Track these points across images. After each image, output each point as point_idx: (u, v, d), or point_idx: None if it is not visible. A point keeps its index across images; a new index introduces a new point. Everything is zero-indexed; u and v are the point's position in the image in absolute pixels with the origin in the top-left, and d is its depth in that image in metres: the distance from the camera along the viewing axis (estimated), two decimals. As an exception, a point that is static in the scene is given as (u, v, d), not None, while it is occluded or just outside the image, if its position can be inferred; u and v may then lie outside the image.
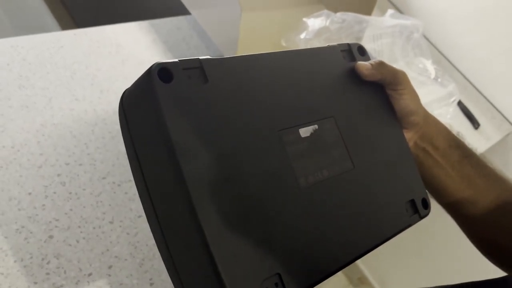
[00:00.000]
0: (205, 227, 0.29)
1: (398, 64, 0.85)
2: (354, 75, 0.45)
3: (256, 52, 0.39)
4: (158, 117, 0.30)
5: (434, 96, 0.82)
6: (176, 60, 0.32)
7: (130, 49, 0.83)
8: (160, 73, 0.31)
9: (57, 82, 0.72)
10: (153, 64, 0.31)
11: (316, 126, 0.39)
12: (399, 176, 0.44)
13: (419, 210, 0.44)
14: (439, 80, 0.83)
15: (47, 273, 0.54)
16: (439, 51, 1.33)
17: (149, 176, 0.32)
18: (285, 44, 0.85)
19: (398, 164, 0.45)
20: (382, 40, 0.87)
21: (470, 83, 1.32)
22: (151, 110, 0.30)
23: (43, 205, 0.59)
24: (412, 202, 0.44)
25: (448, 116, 0.81)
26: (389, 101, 0.47)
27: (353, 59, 0.46)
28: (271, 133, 0.35)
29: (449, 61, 1.33)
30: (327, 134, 0.39)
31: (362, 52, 0.48)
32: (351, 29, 0.84)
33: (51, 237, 0.57)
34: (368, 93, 0.46)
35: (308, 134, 0.37)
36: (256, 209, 0.32)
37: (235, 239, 0.30)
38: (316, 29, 0.81)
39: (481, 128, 1.19)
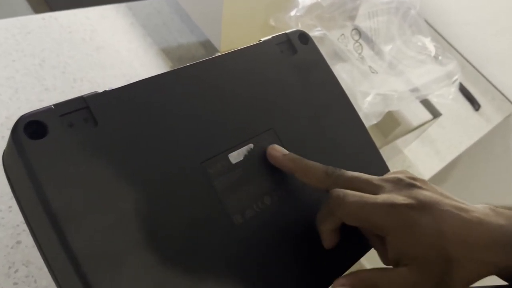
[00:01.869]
0: None
1: (395, 43, 0.80)
2: (296, 72, 0.39)
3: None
4: (34, 182, 0.25)
5: (434, 76, 0.77)
6: (51, 106, 0.27)
7: (106, 35, 0.77)
8: (28, 128, 0.25)
9: (24, 71, 0.66)
10: (19, 118, 0.26)
11: (251, 146, 0.34)
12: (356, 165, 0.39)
13: None
14: (440, 58, 0.78)
15: (15, 283, 0.50)
16: (435, 30, 1.27)
17: (41, 240, 0.28)
18: (274, 24, 0.79)
19: (358, 161, 0.40)
20: (378, 17, 0.82)
21: (469, 62, 1.27)
22: (25, 174, 0.25)
23: (10, 206, 0.53)
24: None
25: (450, 97, 0.76)
26: (343, 94, 0.42)
27: (294, 51, 0.40)
28: (191, 169, 0.30)
29: (445, 40, 1.27)
30: (265, 151, 0.35)
31: (304, 40, 0.41)
32: (345, 6, 0.79)
33: (19, 242, 0.52)
34: (316, 90, 0.40)
35: (241, 158, 0.33)
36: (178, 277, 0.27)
37: None
38: (307, 6, 0.76)
39: (481, 109, 1.14)
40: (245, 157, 0.33)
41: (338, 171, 0.33)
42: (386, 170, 0.43)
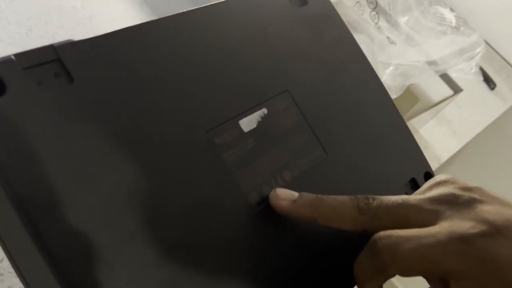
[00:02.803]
0: None
1: (412, 14, 0.73)
2: (307, 25, 0.33)
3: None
4: None
5: (455, 48, 0.71)
6: (11, 56, 0.20)
7: (99, 3, 0.71)
8: None
9: (9, 40, 0.60)
10: None
11: (264, 110, 0.28)
12: (390, 152, 0.34)
13: None
14: (461, 29, 0.72)
15: (1, 274, 0.43)
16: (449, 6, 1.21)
17: (4, 236, 0.21)
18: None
19: (385, 136, 0.34)
20: (394, -14, 0.76)
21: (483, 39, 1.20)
22: None
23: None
24: (413, 182, 0.34)
25: (472, 71, 0.70)
26: (362, 54, 0.36)
27: (304, 2, 0.34)
28: (194, 140, 0.24)
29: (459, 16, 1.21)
30: (283, 117, 0.29)
31: None
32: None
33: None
34: (331, 47, 0.34)
35: (254, 125, 0.27)
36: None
37: None
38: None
39: (496, 88, 1.08)
40: (259, 124, 0.27)
41: (373, 202, 0.25)
42: (415, 146, 0.37)
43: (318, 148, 0.30)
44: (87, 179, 0.20)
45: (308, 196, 0.25)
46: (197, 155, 0.24)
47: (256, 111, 0.27)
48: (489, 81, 1.09)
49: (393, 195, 0.25)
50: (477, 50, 0.70)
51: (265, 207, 0.25)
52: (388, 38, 0.64)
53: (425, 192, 0.26)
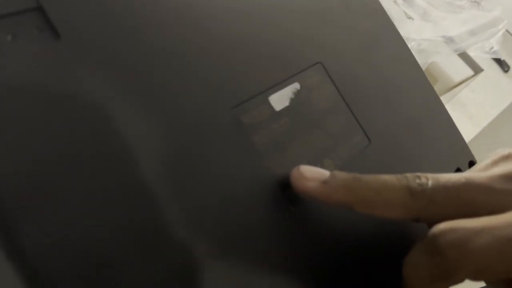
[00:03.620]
0: None
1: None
2: None
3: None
4: None
5: (475, 24, 0.65)
6: None
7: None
8: None
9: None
10: None
11: (297, 85, 0.23)
12: (433, 139, 0.29)
13: None
14: (482, 3, 0.66)
15: None
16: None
17: None
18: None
19: (426, 120, 0.29)
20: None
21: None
22: None
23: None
24: (458, 172, 0.30)
25: (493, 49, 0.65)
26: (392, 25, 0.31)
27: None
28: (217, 118, 0.19)
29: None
30: (317, 94, 0.23)
31: None
32: None
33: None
34: (361, 16, 0.29)
35: (286, 103, 0.22)
36: None
37: None
38: None
39: (510, 71, 1.04)
40: (292, 101, 0.22)
41: (427, 182, 0.19)
42: (456, 132, 0.32)
43: (359, 132, 0.25)
44: (81, 173, 0.15)
45: (342, 175, 0.19)
46: (221, 136, 0.18)
47: (287, 85, 0.22)
48: (502, 64, 1.04)
49: (448, 173, 0.20)
50: (499, 27, 0.64)
51: (302, 201, 0.20)
52: (405, 12, 0.59)
53: (489, 169, 0.21)
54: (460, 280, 0.18)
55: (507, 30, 1.16)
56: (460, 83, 0.65)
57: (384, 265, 0.21)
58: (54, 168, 0.14)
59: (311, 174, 0.19)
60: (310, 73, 0.24)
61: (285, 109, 0.21)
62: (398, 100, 0.28)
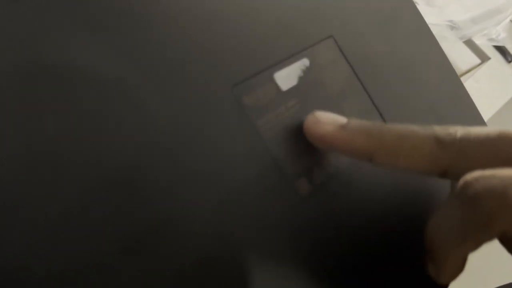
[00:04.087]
0: None
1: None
2: None
3: None
4: None
5: (480, 10, 0.63)
6: None
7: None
8: None
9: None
10: None
11: (306, 62, 0.20)
12: (452, 122, 0.26)
13: None
14: (490, -12, 0.64)
15: None
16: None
17: None
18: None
19: (446, 102, 0.27)
20: None
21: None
22: None
23: None
24: None
25: (500, 37, 0.62)
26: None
27: None
28: (216, 97, 0.16)
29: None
30: (329, 72, 0.20)
31: None
32: None
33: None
34: None
35: (294, 82, 0.19)
36: None
37: None
38: None
39: (513, 60, 1.01)
40: (300, 80, 0.19)
41: (455, 133, 0.17)
42: (478, 115, 0.30)
43: (375, 117, 0.22)
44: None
45: (362, 122, 0.17)
46: (220, 119, 0.15)
47: (295, 61, 0.19)
48: (505, 53, 1.01)
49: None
50: (508, 12, 0.61)
51: (314, 195, 0.17)
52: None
53: None
54: (496, 234, 0.16)
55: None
56: (467, 72, 0.62)
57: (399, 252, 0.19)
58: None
59: (328, 118, 0.18)
60: (321, 48, 0.20)
61: (293, 89, 0.18)
62: (417, 80, 0.25)
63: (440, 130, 0.17)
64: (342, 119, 0.18)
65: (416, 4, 0.58)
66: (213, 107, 0.15)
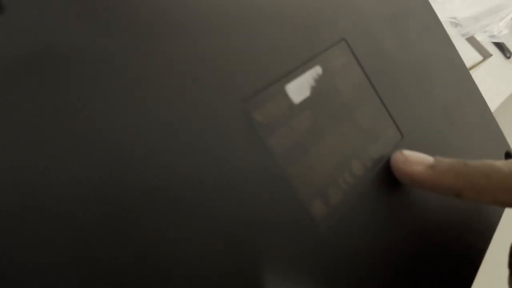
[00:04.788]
0: None
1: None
2: None
3: None
4: None
5: (482, 7, 0.61)
6: None
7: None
8: None
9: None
10: None
11: (318, 69, 0.18)
12: (468, 128, 0.26)
13: None
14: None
15: None
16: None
17: None
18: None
19: (462, 107, 0.26)
20: None
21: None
22: None
23: None
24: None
25: (502, 33, 0.61)
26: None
27: None
28: (223, 114, 0.14)
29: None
30: (342, 79, 0.19)
31: None
32: None
33: None
34: None
35: (306, 93, 0.17)
36: None
37: None
38: None
39: (512, 57, 1.00)
40: (313, 90, 0.17)
41: None
42: (492, 119, 0.29)
43: (390, 126, 0.20)
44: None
45: (448, 160, 0.19)
46: (229, 137, 0.14)
47: (307, 69, 0.17)
48: (504, 49, 1.00)
49: None
50: (510, 9, 0.60)
51: (330, 218, 0.16)
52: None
53: None
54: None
55: (508, 15, 1.12)
56: (470, 69, 0.61)
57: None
58: None
59: (417, 159, 0.19)
60: (334, 53, 0.19)
61: (306, 101, 0.17)
62: (431, 84, 0.24)
63: None
64: (430, 159, 0.19)
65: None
66: (222, 124, 0.14)
